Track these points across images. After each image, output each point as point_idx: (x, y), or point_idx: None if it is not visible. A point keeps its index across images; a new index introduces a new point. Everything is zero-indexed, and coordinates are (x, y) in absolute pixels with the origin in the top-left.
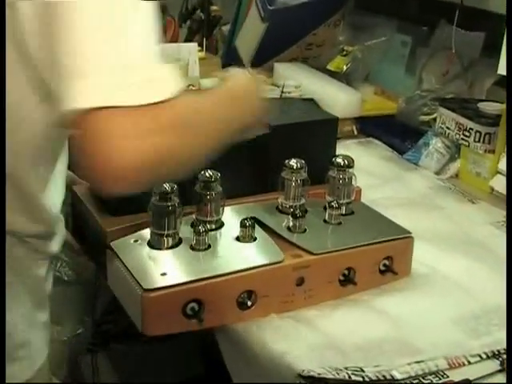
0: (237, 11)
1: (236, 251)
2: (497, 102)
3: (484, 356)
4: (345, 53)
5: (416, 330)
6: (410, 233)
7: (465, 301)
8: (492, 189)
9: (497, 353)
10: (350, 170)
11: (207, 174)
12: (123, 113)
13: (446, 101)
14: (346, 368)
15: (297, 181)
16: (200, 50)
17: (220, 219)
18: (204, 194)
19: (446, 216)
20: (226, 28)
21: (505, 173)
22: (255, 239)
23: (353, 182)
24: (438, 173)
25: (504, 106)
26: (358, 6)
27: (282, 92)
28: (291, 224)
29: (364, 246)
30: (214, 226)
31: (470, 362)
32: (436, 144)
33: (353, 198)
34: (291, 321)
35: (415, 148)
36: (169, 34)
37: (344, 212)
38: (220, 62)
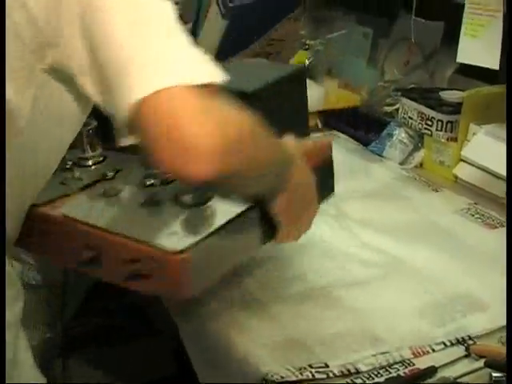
0: (197, 9)
1: None
2: (458, 90)
3: (448, 343)
4: (307, 47)
5: (380, 322)
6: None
7: (429, 290)
8: (456, 177)
9: (461, 339)
10: None
11: None
12: (189, 90)
13: (407, 91)
14: (310, 365)
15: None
16: None
17: None
18: None
19: (411, 206)
20: (187, 27)
21: (468, 160)
22: None
23: None
24: (402, 163)
25: (464, 94)
26: None
27: None
28: None
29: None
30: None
31: (434, 350)
32: (399, 134)
33: None
34: (255, 318)
35: (379, 139)
36: None
37: None
38: None
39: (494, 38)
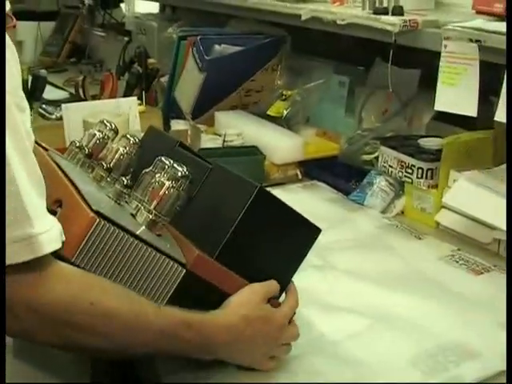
0: (174, 63)
1: None
2: (436, 136)
3: None
4: (284, 97)
5: (374, 373)
6: None
7: (420, 339)
8: (438, 223)
9: None
10: None
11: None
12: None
13: (386, 139)
14: None
15: None
16: (140, 104)
17: None
18: None
19: (395, 254)
20: (164, 80)
21: (449, 206)
22: None
23: None
24: (383, 211)
25: (444, 141)
26: (294, 49)
27: (224, 141)
28: None
29: None
30: None
31: None
32: (380, 183)
33: None
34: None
35: (360, 188)
36: (107, 89)
37: None
38: (161, 114)
39: (470, 86)
